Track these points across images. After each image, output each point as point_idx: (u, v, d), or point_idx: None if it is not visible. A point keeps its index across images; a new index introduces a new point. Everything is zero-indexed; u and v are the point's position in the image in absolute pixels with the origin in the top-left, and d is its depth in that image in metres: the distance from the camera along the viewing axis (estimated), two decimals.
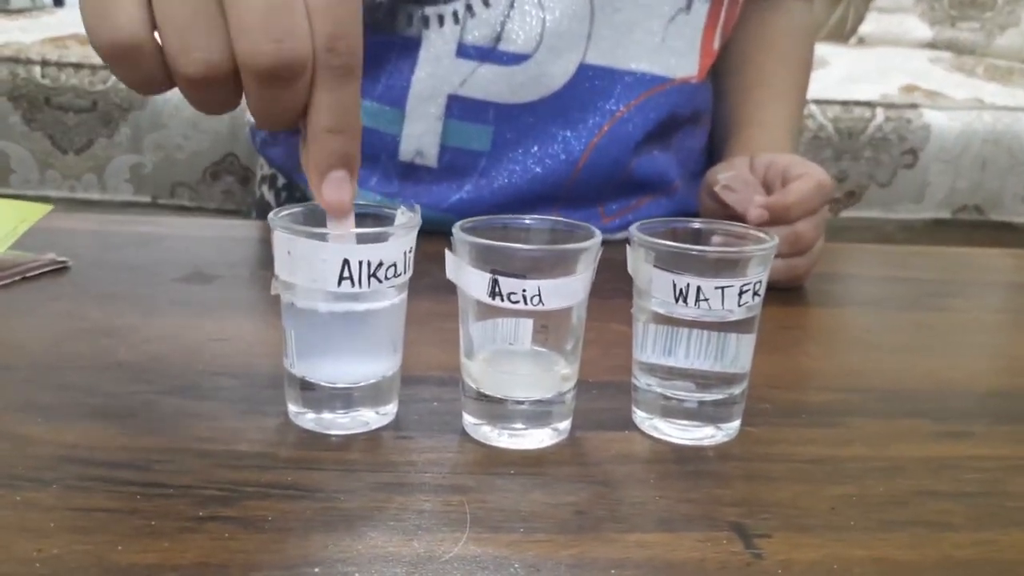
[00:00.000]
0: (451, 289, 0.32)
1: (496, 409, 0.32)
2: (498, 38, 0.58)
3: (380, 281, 0.31)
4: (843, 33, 1.82)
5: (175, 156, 1.11)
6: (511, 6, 0.57)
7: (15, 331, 0.40)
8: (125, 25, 0.26)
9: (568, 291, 0.31)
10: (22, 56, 1.09)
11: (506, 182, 0.60)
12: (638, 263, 0.33)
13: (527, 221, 0.34)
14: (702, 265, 0.31)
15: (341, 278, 0.30)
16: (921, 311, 0.51)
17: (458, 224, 0.32)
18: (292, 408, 0.33)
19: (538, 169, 0.60)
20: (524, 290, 0.30)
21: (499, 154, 0.60)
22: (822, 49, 1.51)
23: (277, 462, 0.30)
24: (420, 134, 0.59)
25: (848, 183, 1.22)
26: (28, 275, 0.48)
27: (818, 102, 1.21)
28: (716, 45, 0.65)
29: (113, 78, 1.10)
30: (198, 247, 0.54)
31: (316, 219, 0.32)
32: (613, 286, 0.34)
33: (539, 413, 0.32)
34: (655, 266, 0.32)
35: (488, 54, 0.58)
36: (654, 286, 0.32)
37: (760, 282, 0.32)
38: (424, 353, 0.37)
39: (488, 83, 0.58)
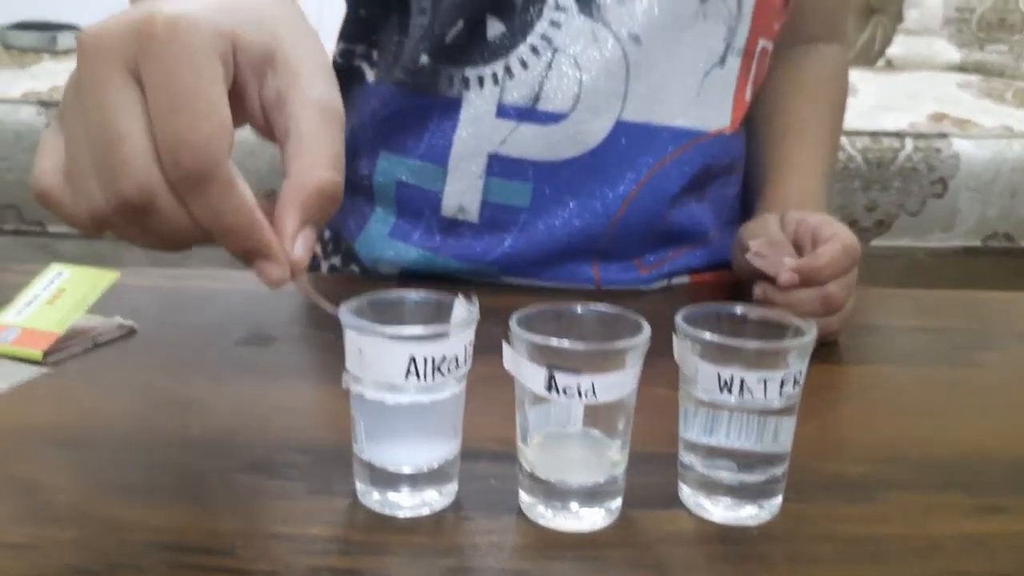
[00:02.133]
0: (497, 349, 0.34)
1: (551, 490, 0.34)
2: (536, 98, 0.60)
3: (443, 375, 0.33)
4: (871, 55, 1.83)
5: None
6: (548, 67, 0.60)
7: (96, 403, 0.43)
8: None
9: (619, 384, 0.33)
10: None
11: (546, 236, 0.62)
12: (684, 353, 0.35)
13: (579, 310, 0.36)
14: (745, 357, 0.33)
15: (407, 373, 0.33)
16: (953, 366, 0.53)
17: (514, 318, 0.34)
18: (360, 487, 0.36)
19: (577, 222, 0.62)
20: (579, 384, 0.32)
21: (538, 209, 0.62)
22: (851, 75, 1.52)
23: (350, 546, 0.32)
24: (462, 191, 0.62)
25: (878, 212, 1.23)
26: (99, 341, 0.50)
27: (847, 133, 1.22)
28: (748, 96, 0.67)
29: None
30: (253, 304, 0.57)
31: (383, 315, 0.34)
32: (654, 346, 0.35)
33: (592, 494, 0.34)
34: (701, 358, 0.34)
35: (527, 114, 0.60)
36: (700, 376, 0.34)
37: (801, 371, 0.34)
38: (478, 424, 0.39)
39: (527, 142, 0.60)
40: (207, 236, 0.30)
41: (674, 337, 0.35)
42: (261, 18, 0.31)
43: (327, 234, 0.71)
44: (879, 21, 1.85)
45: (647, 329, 0.34)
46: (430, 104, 0.62)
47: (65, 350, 0.49)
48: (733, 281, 0.62)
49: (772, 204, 0.67)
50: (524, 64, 0.60)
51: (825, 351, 0.53)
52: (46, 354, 0.48)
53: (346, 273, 0.68)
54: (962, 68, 1.68)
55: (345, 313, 0.34)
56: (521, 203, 0.62)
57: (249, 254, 0.30)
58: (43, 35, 1.34)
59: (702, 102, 0.63)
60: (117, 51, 0.28)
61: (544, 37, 0.60)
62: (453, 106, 0.61)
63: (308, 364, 0.50)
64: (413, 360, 0.32)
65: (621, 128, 0.61)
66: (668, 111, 0.62)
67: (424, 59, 0.60)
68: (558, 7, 0.60)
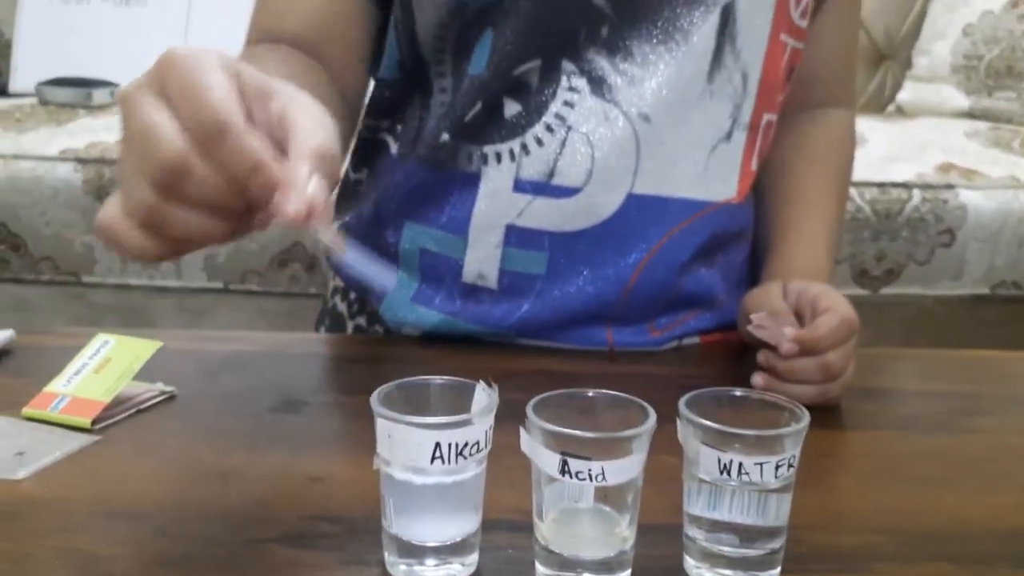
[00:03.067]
0: (515, 416, 0.37)
1: (564, 563, 0.37)
2: (551, 174, 0.63)
3: (466, 458, 0.36)
4: (882, 101, 1.86)
5: (246, 245, 1.19)
6: (563, 145, 0.63)
7: (141, 473, 0.46)
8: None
9: (627, 468, 0.36)
10: (107, 156, 1.18)
11: (561, 302, 0.65)
12: (687, 437, 0.38)
13: (591, 395, 0.39)
14: (744, 443, 0.37)
15: (433, 458, 0.36)
16: (950, 433, 0.55)
17: (531, 405, 0.37)
18: (388, 558, 0.39)
19: (590, 289, 0.65)
20: (590, 469, 0.36)
21: (554, 277, 0.65)
22: (861, 123, 1.55)
23: None
24: (481, 259, 0.65)
25: (887, 262, 1.26)
26: (142, 408, 0.54)
27: (856, 184, 1.25)
28: (754, 167, 0.70)
29: None
30: (285, 368, 0.60)
31: (410, 400, 0.38)
32: (662, 410, 0.37)
33: (603, 567, 0.37)
34: (702, 443, 0.37)
35: (542, 188, 0.63)
36: (702, 458, 0.37)
37: (794, 455, 0.37)
38: (498, 496, 0.41)
39: (543, 214, 0.64)
40: (238, 193, 0.35)
41: (678, 421, 0.38)
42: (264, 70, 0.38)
43: (352, 295, 0.74)
44: (889, 67, 1.89)
45: (652, 416, 0.37)
46: (451, 178, 0.65)
47: (111, 417, 0.52)
48: (741, 342, 0.65)
49: (777, 273, 0.70)
50: (539, 142, 0.64)
51: (825, 416, 0.55)
52: (94, 422, 0.51)
53: (371, 333, 0.71)
54: (971, 114, 1.71)
55: (375, 402, 0.37)
56: (537, 271, 0.65)
57: (271, 190, 0.34)
58: (79, 91, 1.40)
59: (709, 175, 0.66)
60: (145, 84, 0.35)
61: (558, 116, 0.63)
62: (472, 180, 0.65)
63: (339, 432, 0.53)
64: (438, 446, 0.36)
65: (632, 201, 0.64)
66: (677, 184, 0.65)
67: (445, 136, 0.64)
68: (571, 88, 0.63)
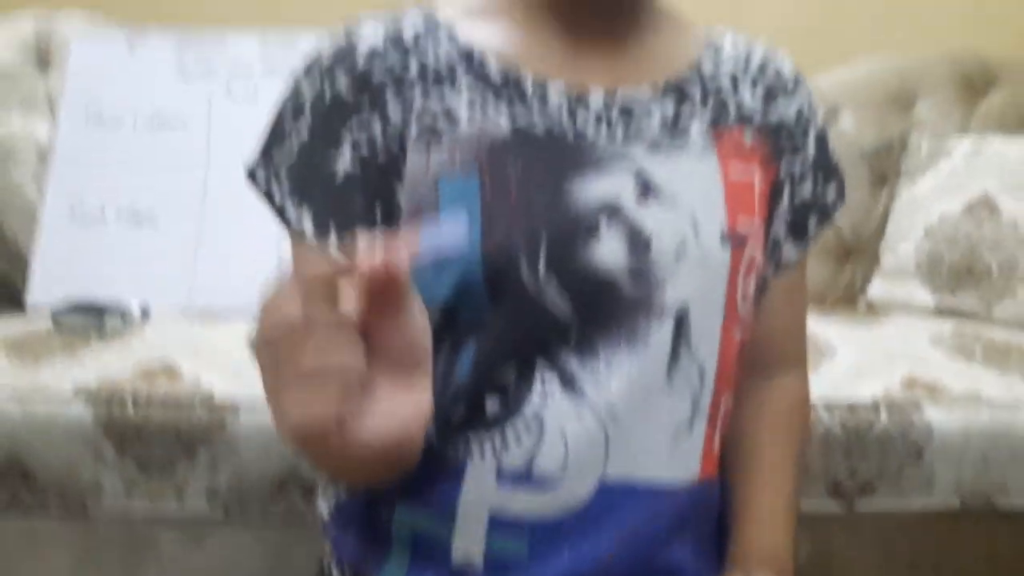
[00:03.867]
0: None
1: None
2: (530, 466, 0.71)
3: None
4: (852, 296, 1.96)
5: (246, 477, 1.25)
6: (539, 439, 0.71)
7: None
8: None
9: None
10: (117, 395, 1.25)
11: None
12: None
13: None
14: None
15: None
16: None
17: None
18: None
19: (571, 568, 0.72)
20: None
21: (536, 557, 0.72)
22: (830, 328, 1.64)
23: None
24: (467, 544, 0.72)
25: (859, 478, 1.32)
26: None
27: (827, 406, 1.32)
28: (716, 448, 0.78)
29: (195, 411, 1.26)
30: None
31: None
32: None
33: None
34: None
35: (522, 479, 0.71)
36: None
37: None
38: None
39: (523, 503, 0.71)
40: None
41: None
42: None
43: (349, 571, 0.80)
44: (857, 263, 2.00)
45: None
46: (438, 466, 0.72)
47: None
48: None
49: (738, 558, 0.77)
50: (518, 436, 0.71)
51: None
52: None
53: None
54: (938, 311, 1.80)
55: None
56: (519, 553, 0.72)
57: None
58: (91, 318, 1.48)
59: (675, 460, 0.74)
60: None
61: (534, 413, 0.71)
62: (458, 473, 0.72)
63: None
64: None
65: (604, 487, 0.72)
66: (645, 470, 0.73)
67: (431, 433, 0.72)
68: (545, 387, 0.71)
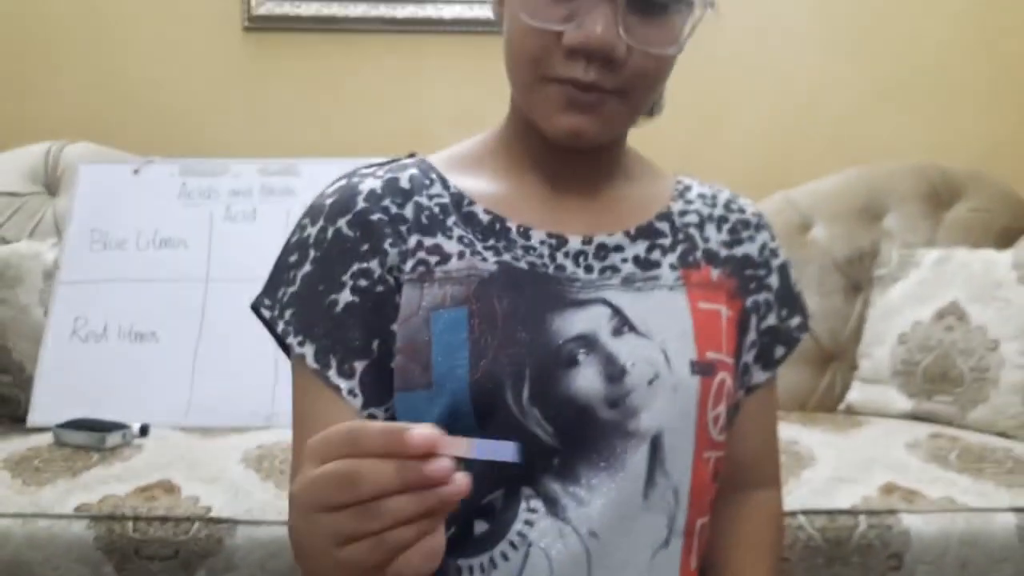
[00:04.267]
0: None
1: None
2: None
3: None
4: (832, 400, 2.02)
5: None
6: (525, 559, 0.75)
7: None
8: None
9: None
10: (117, 514, 1.29)
11: None
12: None
13: None
14: None
15: None
16: None
17: None
18: None
19: None
20: None
21: None
22: (811, 435, 1.70)
23: None
24: None
25: None
26: None
27: (806, 513, 1.37)
28: (693, 566, 0.81)
29: (194, 528, 1.29)
30: None
31: None
32: None
33: None
34: None
35: None
36: None
37: None
38: None
39: None
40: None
41: None
42: None
43: None
44: (837, 369, 2.06)
45: None
46: None
47: None
48: None
49: None
50: (505, 556, 0.75)
51: None
52: None
53: None
54: (914, 415, 1.86)
55: None
56: None
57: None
58: (93, 435, 1.52)
59: None
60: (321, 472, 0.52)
61: (520, 534, 0.75)
62: None
63: None
64: None
65: None
66: None
67: None
68: (530, 510, 0.75)
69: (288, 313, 0.78)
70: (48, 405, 1.70)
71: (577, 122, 0.75)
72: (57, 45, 2.29)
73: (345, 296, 0.76)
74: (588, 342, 0.76)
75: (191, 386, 1.72)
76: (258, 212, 1.91)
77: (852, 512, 1.39)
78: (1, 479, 1.42)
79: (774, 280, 0.89)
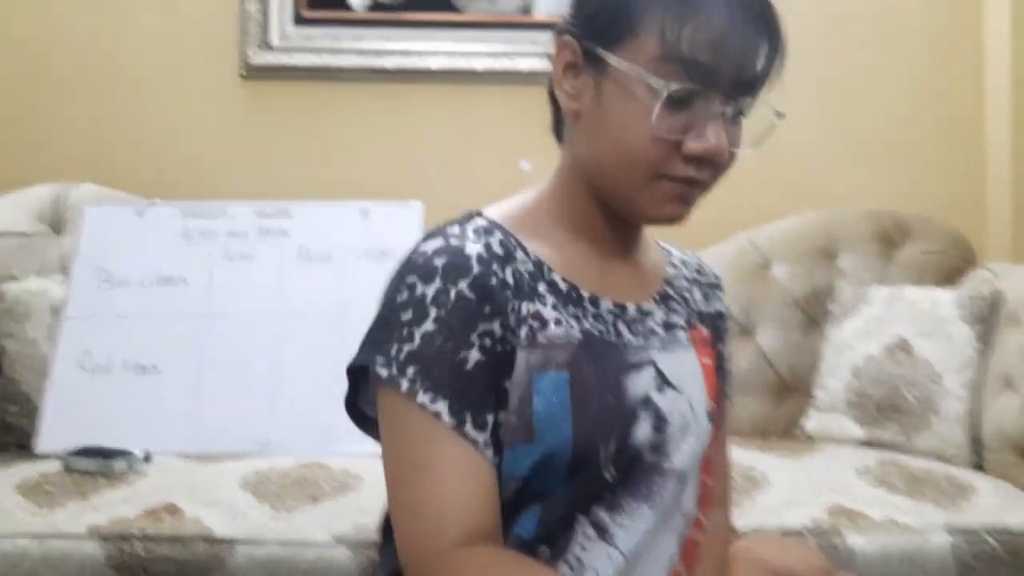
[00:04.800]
0: None
1: None
2: None
3: None
4: (790, 428, 2.16)
5: None
6: None
7: None
8: None
9: None
10: (127, 534, 1.41)
11: None
12: None
13: None
14: None
15: None
16: None
17: None
18: None
19: None
20: None
21: None
22: (767, 460, 1.83)
23: None
24: None
25: None
26: None
27: (759, 533, 1.49)
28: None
29: (199, 547, 1.40)
30: None
31: None
32: None
33: None
34: None
35: None
36: None
37: None
38: None
39: None
40: None
41: None
42: None
43: None
44: (794, 399, 2.20)
45: None
46: None
47: None
48: None
49: None
50: None
51: None
52: None
53: None
54: (866, 442, 2.00)
55: None
56: None
57: None
58: (100, 462, 1.64)
59: None
60: None
61: (577, 558, 0.84)
62: None
63: None
64: None
65: None
66: None
67: None
68: (585, 536, 0.85)
69: (411, 370, 0.78)
70: (55, 434, 1.81)
71: (681, 211, 0.87)
72: (65, 90, 2.43)
73: (474, 355, 0.79)
74: (645, 400, 0.87)
75: (191, 415, 1.84)
76: (255, 253, 2.04)
77: (800, 532, 1.52)
78: (16, 502, 1.53)
79: (726, 334, 1.06)
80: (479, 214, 0.89)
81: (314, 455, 1.74)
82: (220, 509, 1.52)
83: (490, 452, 0.80)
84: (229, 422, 1.82)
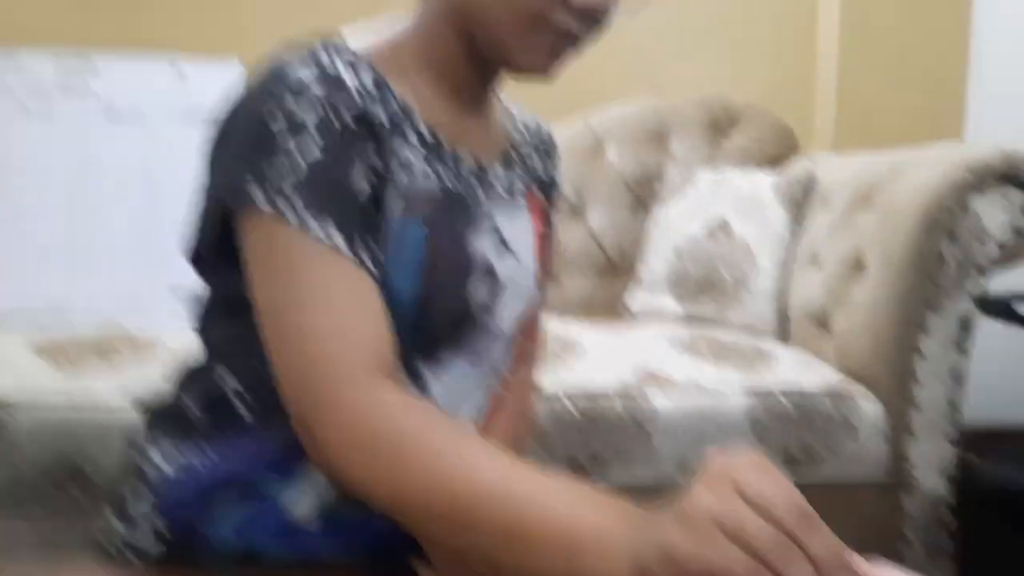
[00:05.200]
0: None
1: None
2: None
3: None
4: (616, 306, 2.21)
5: (25, 471, 1.31)
6: None
7: None
8: None
9: None
10: None
11: None
12: None
13: None
14: None
15: None
16: None
17: None
18: None
19: None
20: None
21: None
22: (587, 334, 1.87)
23: None
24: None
25: (598, 460, 1.53)
26: None
27: (568, 395, 1.53)
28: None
29: None
30: None
31: None
32: None
33: None
34: None
35: None
36: None
37: None
38: None
39: None
40: None
41: None
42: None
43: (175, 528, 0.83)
44: (620, 277, 2.25)
45: None
46: None
47: None
48: None
49: None
50: None
51: None
52: None
53: None
54: (685, 318, 2.07)
55: None
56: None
57: None
58: None
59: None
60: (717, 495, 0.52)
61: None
62: None
63: None
64: None
65: None
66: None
67: None
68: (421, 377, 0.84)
69: (300, 201, 0.73)
70: None
71: (552, 65, 0.82)
72: None
73: (363, 187, 0.77)
74: (485, 262, 0.85)
75: None
76: (56, 111, 1.88)
77: (606, 395, 1.57)
78: None
79: (557, 202, 1.05)
80: (343, 43, 0.82)
81: (113, 319, 1.66)
82: (4, 373, 1.43)
83: (376, 273, 0.76)
84: (25, 282, 1.71)
